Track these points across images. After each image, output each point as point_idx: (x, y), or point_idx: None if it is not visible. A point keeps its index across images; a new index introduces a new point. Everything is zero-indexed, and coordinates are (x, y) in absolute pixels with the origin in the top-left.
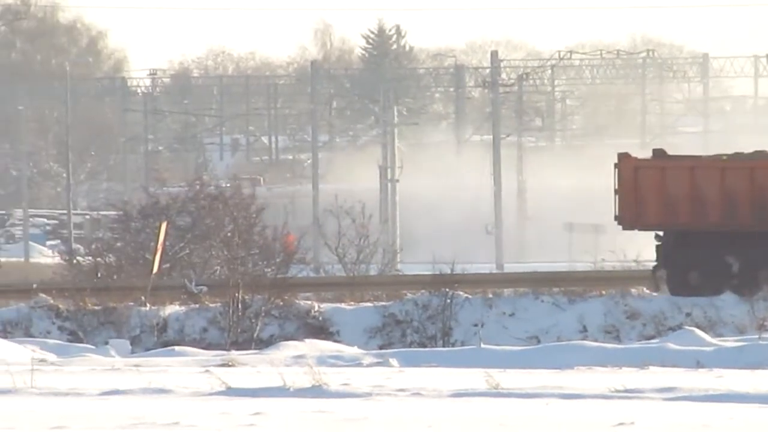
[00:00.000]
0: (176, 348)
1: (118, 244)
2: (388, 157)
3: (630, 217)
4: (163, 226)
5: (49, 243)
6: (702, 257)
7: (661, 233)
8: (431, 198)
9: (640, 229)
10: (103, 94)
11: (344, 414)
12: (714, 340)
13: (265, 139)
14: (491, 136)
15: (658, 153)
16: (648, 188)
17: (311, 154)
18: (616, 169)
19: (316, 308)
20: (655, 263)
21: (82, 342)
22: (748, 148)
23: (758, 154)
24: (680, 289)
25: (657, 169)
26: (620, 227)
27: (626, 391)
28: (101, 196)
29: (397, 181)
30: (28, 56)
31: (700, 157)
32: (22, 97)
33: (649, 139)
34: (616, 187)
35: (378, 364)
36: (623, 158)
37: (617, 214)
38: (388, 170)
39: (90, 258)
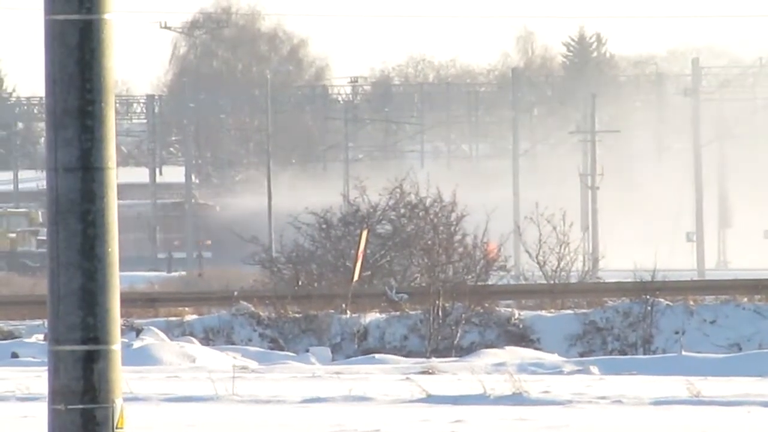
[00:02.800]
0: (377, 355)
1: (319, 252)
2: (589, 165)
3: None
4: (364, 234)
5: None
6: None
7: None
8: (632, 205)
9: None
10: (304, 102)
11: (544, 422)
12: None
13: (465, 147)
14: (692, 144)
15: None
16: None
17: (512, 162)
18: None
19: (517, 315)
20: None
21: (282, 349)
22: None
23: None
24: None
25: None
26: None
27: None
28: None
29: (598, 188)
30: (230, 65)
31: None
32: (223, 105)
33: None
34: None
35: (578, 371)
36: None
37: None
38: (589, 177)
39: (290, 266)
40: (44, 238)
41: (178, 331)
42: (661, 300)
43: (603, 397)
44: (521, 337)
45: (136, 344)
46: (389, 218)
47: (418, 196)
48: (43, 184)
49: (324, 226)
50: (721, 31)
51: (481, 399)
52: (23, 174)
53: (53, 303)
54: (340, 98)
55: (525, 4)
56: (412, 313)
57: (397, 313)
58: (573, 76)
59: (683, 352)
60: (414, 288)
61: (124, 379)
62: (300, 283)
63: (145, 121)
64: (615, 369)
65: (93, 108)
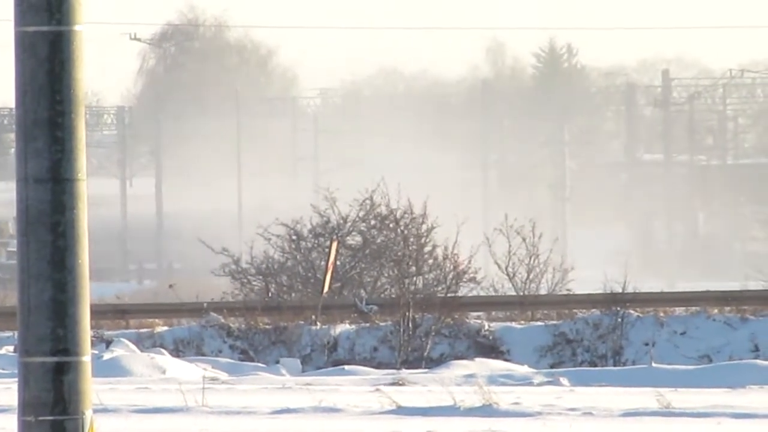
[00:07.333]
0: (347, 367)
1: (289, 264)
2: (559, 176)
3: None
4: (334, 245)
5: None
6: None
7: None
8: (601, 216)
9: None
10: (273, 113)
11: None
12: None
13: (435, 158)
14: (663, 155)
15: None
16: None
17: (482, 173)
18: None
19: (487, 327)
20: None
21: (253, 361)
22: None
23: None
24: None
25: None
26: None
27: None
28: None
29: (568, 199)
30: (199, 76)
31: None
32: (192, 117)
33: None
34: None
35: (548, 383)
36: None
37: None
38: (559, 189)
39: (260, 277)
40: (14, 249)
41: (148, 343)
42: (632, 311)
43: (573, 409)
44: (491, 349)
45: (107, 356)
46: (359, 229)
47: (389, 207)
48: (13, 195)
49: (294, 237)
50: (691, 43)
51: (451, 410)
52: None
53: (23, 314)
54: (309, 110)
55: (495, 15)
56: (382, 324)
57: (367, 324)
58: (543, 87)
59: (653, 364)
60: (384, 299)
61: (95, 391)
62: (270, 294)
63: (115, 132)
64: (585, 380)
65: (63, 119)
